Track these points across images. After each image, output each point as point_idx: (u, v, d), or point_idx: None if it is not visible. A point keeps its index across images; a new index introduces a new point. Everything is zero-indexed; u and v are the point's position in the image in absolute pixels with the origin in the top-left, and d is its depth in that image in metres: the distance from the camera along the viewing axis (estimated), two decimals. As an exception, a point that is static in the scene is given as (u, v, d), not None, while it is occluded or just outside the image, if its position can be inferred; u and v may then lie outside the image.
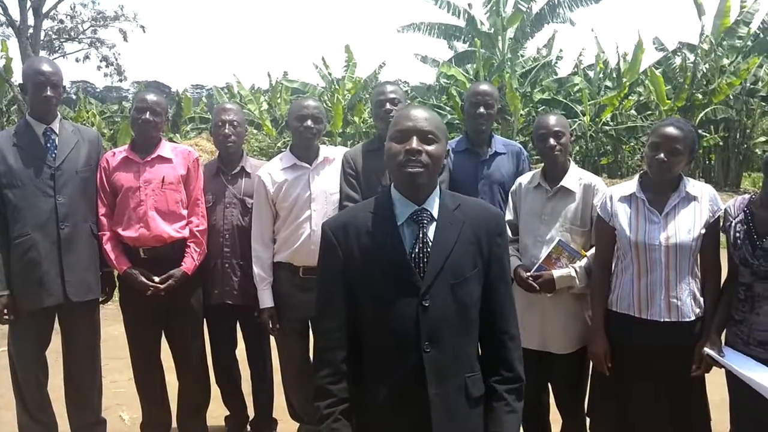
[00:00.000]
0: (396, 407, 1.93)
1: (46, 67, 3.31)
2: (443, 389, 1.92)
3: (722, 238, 2.90)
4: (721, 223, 2.88)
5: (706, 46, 17.81)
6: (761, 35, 18.45)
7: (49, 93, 3.29)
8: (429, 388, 1.89)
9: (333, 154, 3.59)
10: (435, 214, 1.96)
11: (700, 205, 2.85)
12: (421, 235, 1.93)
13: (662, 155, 2.77)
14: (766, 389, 2.61)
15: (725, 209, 2.87)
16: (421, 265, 1.91)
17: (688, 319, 2.83)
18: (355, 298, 1.95)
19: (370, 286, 1.92)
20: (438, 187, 2.01)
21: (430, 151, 1.90)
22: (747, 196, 2.87)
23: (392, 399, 1.92)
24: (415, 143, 1.88)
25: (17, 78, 19.75)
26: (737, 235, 2.76)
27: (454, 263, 1.92)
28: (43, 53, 20.92)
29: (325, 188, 3.50)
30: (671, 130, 2.79)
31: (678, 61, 19.37)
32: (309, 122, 3.46)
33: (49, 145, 3.35)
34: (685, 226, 2.82)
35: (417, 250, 1.92)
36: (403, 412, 1.92)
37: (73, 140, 3.43)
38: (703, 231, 2.83)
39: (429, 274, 1.90)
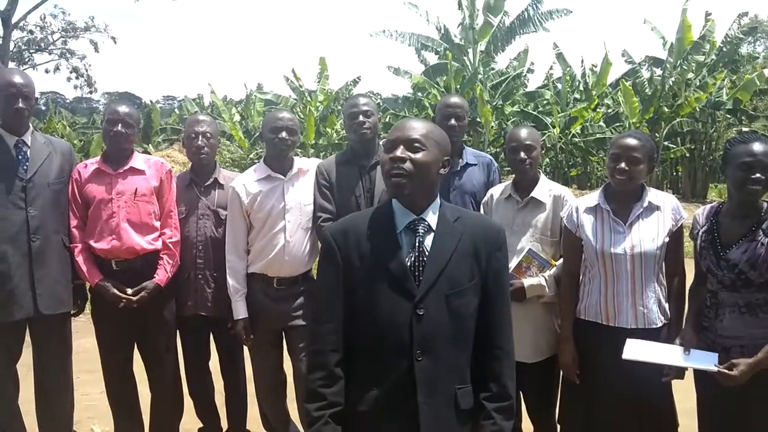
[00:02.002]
0: (385, 414, 1.94)
1: (17, 79, 3.29)
2: (433, 399, 1.93)
3: (690, 245, 2.97)
4: (690, 231, 2.94)
5: (672, 60, 18.21)
6: (724, 49, 18.92)
7: (20, 105, 3.27)
8: (418, 397, 1.91)
9: (307, 166, 3.62)
10: (433, 224, 1.99)
11: (663, 214, 2.93)
12: (417, 245, 1.96)
13: (623, 164, 2.86)
14: (686, 363, 2.71)
15: (694, 217, 2.94)
16: (417, 273, 1.94)
17: (654, 326, 2.90)
18: (352, 303, 1.97)
19: (366, 292, 1.95)
20: (438, 198, 2.04)
21: (415, 158, 1.93)
22: (715, 204, 2.93)
23: (381, 405, 1.94)
24: (399, 151, 1.93)
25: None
26: (702, 244, 2.82)
27: (450, 274, 1.95)
28: (12, 64, 20.62)
29: (299, 199, 3.52)
30: (630, 140, 2.90)
31: (645, 74, 19.78)
32: (283, 134, 3.48)
33: (20, 157, 3.33)
34: (649, 235, 2.90)
35: (413, 258, 1.95)
36: (392, 419, 1.94)
37: (45, 152, 3.41)
38: (667, 239, 2.91)
39: (424, 283, 1.93)
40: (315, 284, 2.17)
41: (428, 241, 1.97)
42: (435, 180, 2.00)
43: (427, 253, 1.95)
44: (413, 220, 1.98)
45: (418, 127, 1.97)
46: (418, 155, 1.93)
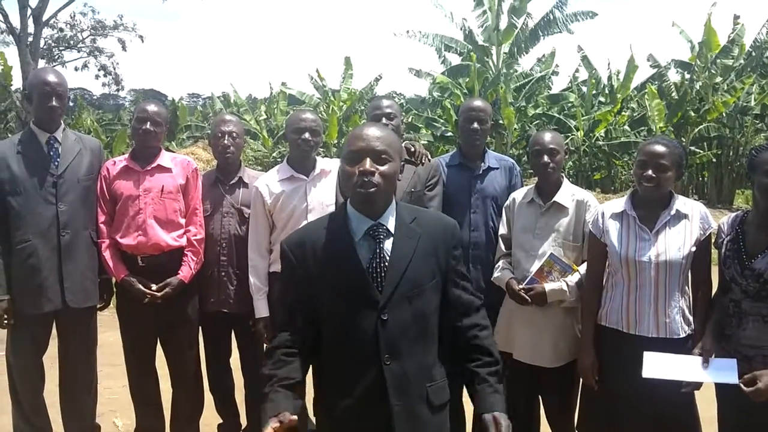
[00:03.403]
0: (358, 420, 1.96)
1: (52, 78, 3.37)
2: (405, 400, 1.95)
3: (715, 253, 2.93)
4: (714, 239, 2.92)
5: (701, 63, 17.98)
6: (753, 53, 18.65)
7: (54, 103, 3.35)
8: (391, 400, 1.93)
9: (329, 166, 3.64)
10: (391, 228, 2.00)
11: (690, 223, 2.89)
12: (378, 250, 1.96)
13: (650, 172, 2.83)
14: (711, 377, 2.70)
15: (718, 225, 2.91)
16: (379, 279, 1.95)
17: (677, 337, 2.87)
18: (316, 314, 1.98)
19: (328, 302, 1.96)
20: (394, 201, 2.05)
21: (383, 171, 1.93)
22: (740, 213, 2.90)
23: (354, 412, 1.96)
24: (368, 164, 1.91)
25: (16, 85, 19.79)
26: (727, 253, 2.79)
27: (411, 275, 1.97)
28: (42, 61, 20.96)
29: (321, 199, 3.55)
30: (657, 147, 2.86)
31: (672, 78, 19.55)
32: (306, 135, 3.52)
33: (52, 153, 3.40)
34: (675, 243, 2.86)
35: (374, 264, 1.96)
36: (366, 425, 1.96)
37: (76, 149, 3.48)
38: (694, 249, 2.87)
39: (387, 288, 1.94)
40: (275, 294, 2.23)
41: (387, 245, 1.98)
42: (396, 187, 2.02)
43: (387, 258, 1.96)
44: (372, 225, 1.98)
45: (382, 137, 1.96)
46: (385, 167, 1.94)
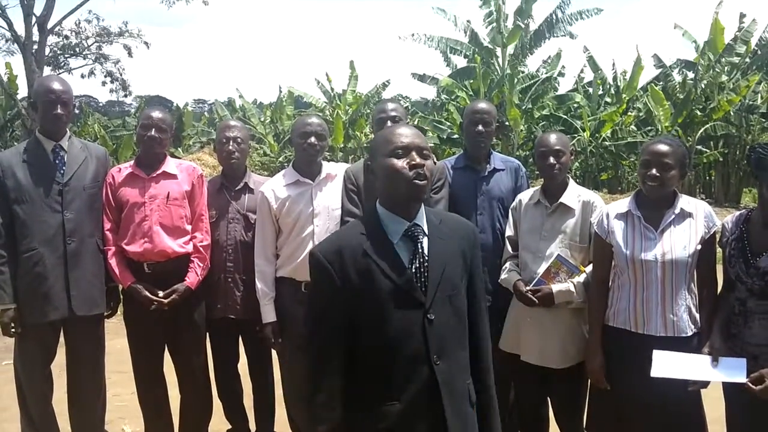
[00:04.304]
0: (411, 424, 1.94)
1: (57, 86, 3.38)
2: (454, 398, 1.97)
3: (720, 252, 2.93)
4: (719, 238, 2.92)
5: (705, 62, 17.93)
6: (759, 52, 18.59)
7: (59, 111, 3.36)
8: (443, 400, 1.93)
9: (335, 171, 3.65)
10: (425, 228, 2.01)
11: (695, 222, 2.89)
12: (417, 251, 1.97)
13: (654, 171, 2.83)
14: (721, 376, 2.70)
15: (723, 224, 2.91)
16: (423, 279, 1.95)
17: (684, 335, 2.86)
18: (356, 323, 1.94)
19: (373, 308, 1.93)
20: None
21: (428, 165, 1.96)
22: (744, 212, 2.90)
23: (406, 416, 1.93)
24: (417, 158, 1.94)
25: (22, 93, 19.88)
26: (732, 252, 2.79)
27: (449, 275, 1.99)
28: (47, 69, 21.05)
29: (327, 204, 3.55)
30: (660, 146, 2.86)
31: (677, 77, 19.50)
32: (312, 139, 3.52)
33: (57, 161, 3.42)
34: (680, 242, 2.86)
35: (417, 265, 1.96)
36: (419, 427, 1.94)
37: (82, 157, 3.49)
38: (699, 247, 2.87)
39: (430, 288, 1.95)
40: (308, 310, 2.16)
41: (424, 245, 1.99)
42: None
43: (427, 258, 1.97)
44: (410, 226, 1.98)
45: (421, 135, 2.01)
46: (429, 162, 1.98)
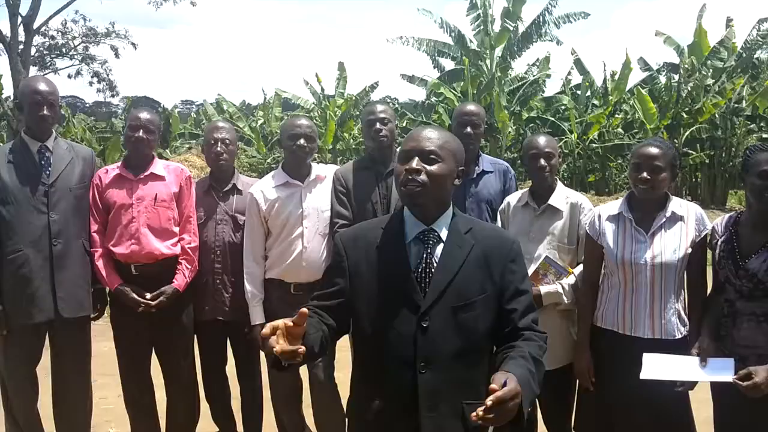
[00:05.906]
0: (387, 425, 1.94)
1: (42, 87, 3.35)
2: (436, 413, 1.90)
3: (710, 254, 2.95)
4: (708, 240, 2.93)
5: (687, 66, 18.09)
6: (744, 54, 18.77)
7: (45, 112, 3.33)
8: (420, 411, 1.89)
9: (324, 172, 3.64)
10: (443, 235, 1.97)
11: (686, 225, 2.90)
12: (426, 255, 1.95)
13: (644, 174, 2.83)
14: (706, 375, 2.71)
15: (712, 226, 2.92)
16: (424, 284, 1.93)
17: (673, 337, 2.87)
18: (357, 312, 1.98)
19: (372, 300, 1.95)
20: (451, 209, 2.02)
21: (430, 170, 1.92)
22: (734, 214, 2.92)
23: (384, 416, 1.94)
24: (414, 163, 1.91)
25: (7, 93, 19.72)
26: (721, 254, 2.80)
27: (458, 286, 1.93)
28: (33, 69, 20.91)
29: (317, 206, 3.54)
30: (650, 149, 2.87)
31: (663, 80, 19.66)
32: (302, 141, 3.51)
33: (43, 162, 3.39)
34: (671, 245, 2.87)
35: (422, 269, 1.94)
36: (394, 430, 1.94)
37: (68, 158, 3.46)
38: (689, 250, 2.88)
39: (431, 295, 1.92)
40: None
41: (437, 251, 1.96)
42: (449, 191, 1.99)
43: (435, 265, 1.94)
44: (423, 230, 1.97)
45: (433, 138, 1.95)
46: (434, 167, 1.92)
